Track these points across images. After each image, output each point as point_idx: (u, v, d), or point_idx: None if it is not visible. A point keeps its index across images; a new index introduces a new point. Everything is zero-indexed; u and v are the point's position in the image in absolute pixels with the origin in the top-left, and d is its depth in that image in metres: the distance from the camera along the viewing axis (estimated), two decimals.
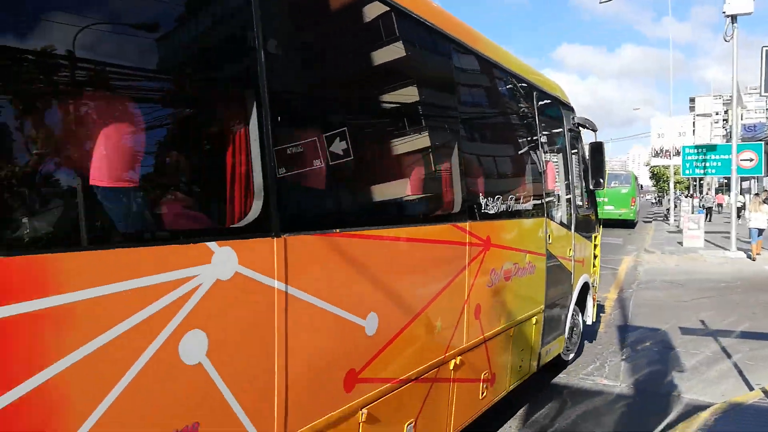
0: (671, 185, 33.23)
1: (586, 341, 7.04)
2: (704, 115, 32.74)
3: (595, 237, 6.80)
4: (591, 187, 6.36)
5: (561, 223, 5.50)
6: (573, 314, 6.06)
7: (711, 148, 20.59)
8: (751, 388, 5.35)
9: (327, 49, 2.68)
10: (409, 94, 3.23)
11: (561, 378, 5.87)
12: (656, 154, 27.41)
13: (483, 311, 3.85)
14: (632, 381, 5.75)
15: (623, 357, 6.56)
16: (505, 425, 4.65)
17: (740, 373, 5.89)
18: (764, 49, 15.67)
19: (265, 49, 2.08)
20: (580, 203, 6.19)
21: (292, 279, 2.19)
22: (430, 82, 3.48)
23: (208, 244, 1.85)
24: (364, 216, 2.83)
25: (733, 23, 15.84)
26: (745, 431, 4.17)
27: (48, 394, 1.43)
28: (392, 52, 3.02)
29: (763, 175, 19.96)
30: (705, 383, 5.64)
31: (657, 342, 7.21)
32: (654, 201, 61.28)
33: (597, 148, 6.31)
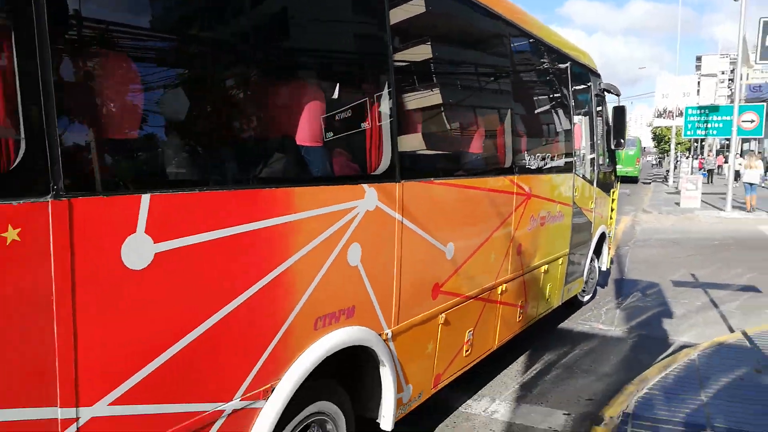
0: (672, 146, 33.56)
1: (598, 287, 7.88)
2: (709, 75, 32.57)
3: (613, 192, 7.60)
4: (613, 147, 7.13)
5: (585, 179, 6.30)
6: (591, 260, 6.93)
7: (713, 109, 21.00)
8: (732, 332, 6.00)
9: (431, 49, 3.46)
10: (478, 75, 4.01)
11: (563, 324, 6.47)
12: (659, 115, 27.66)
13: (523, 249, 4.70)
14: (626, 326, 6.34)
15: (618, 306, 7.22)
16: (518, 359, 5.37)
17: (725, 319, 6.52)
18: (762, 20, 16.17)
19: (393, 49, 2.86)
20: (602, 162, 6.96)
21: (405, 213, 3.03)
22: (494, 63, 4.25)
23: (363, 185, 2.69)
24: (448, 169, 3.66)
25: None
26: (724, 363, 4.91)
27: (291, 274, 2.30)
28: (473, 44, 3.78)
29: (763, 136, 20.50)
30: (693, 328, 6.25)
31: (650, 293, 7.76)
32: (654, 162, 60.98)
33: (620, 112, 7.04)
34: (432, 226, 3.32)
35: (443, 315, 3.56)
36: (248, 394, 2.17)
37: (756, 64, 17.25)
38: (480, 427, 4.00)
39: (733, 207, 17.63)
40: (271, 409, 2.27)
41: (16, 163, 1.45)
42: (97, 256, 1.62)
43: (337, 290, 2.61)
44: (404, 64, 3.16)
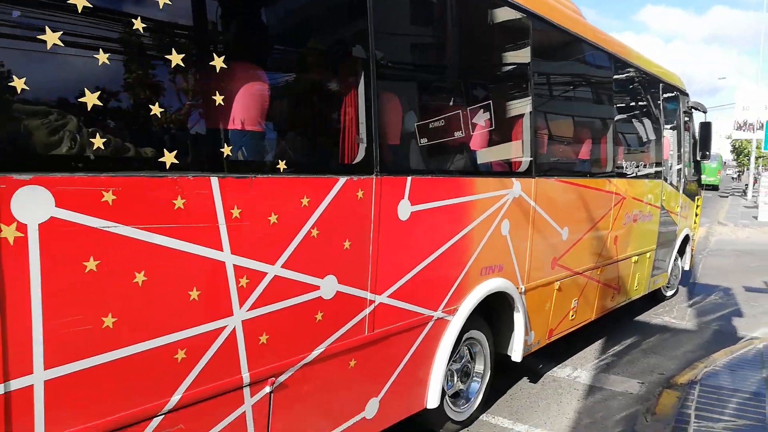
0: (752, 160, 32.41)
1: (679, 286, 8.50)
2: None
3: (698, 199, 8.32)
4: (698, 158, 7.89)
5: (672, 186, 7.13)
6: (675, 258, 7.70)
7: None
8: None
9: (557, 79, 4.59)
10: (588, 97, 5.08)
11: (639, 317, 7.08)
12: (739, 128, 26.67)
13: (618, 240, 5.68)
14: (697, 322, 6.86)
15: (690, 305, 7.69)
16: (598, 341, 6.03)
17: None
18: None
19: (533, 86, 4.01)
20: (688, 171, 7.75)
21: (537, 201, 4.15)
22: (600, 86, 5.32)
23: (512, 179, 3.84)
24: (566, 171, 4.75)
25: None
26: None
27: (471, 234, 3.48)
28: (587, 72, 4.87)
29: None
30: (758, 325, 6.64)
31: (721, 296, 8.23)
32: (734, 176, 57.79)
33: (706, 127, 7.82)
34: (553, 212, 4.41)
35: (558, 282, 4.63)
36: (445, 309, 3.37)
37: None
38: (565, 386, 4.80)
39: None
40: (456, 322, 3.46)
41: (361, 158, 2.71)
42: (388, 209, 2.86)
43: (494, 250, 3.76)
44: (539, 96, 4.30)
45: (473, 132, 3.61)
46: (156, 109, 1.89)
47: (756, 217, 19.13)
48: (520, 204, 3.95)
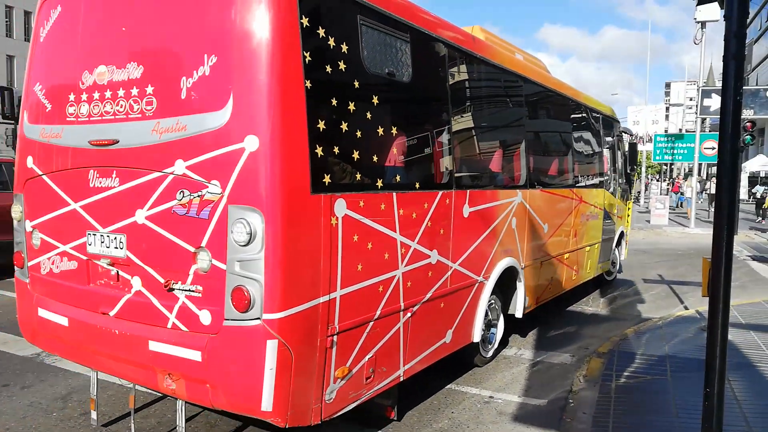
0: (643, 169, 35.87)
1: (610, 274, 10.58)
2: (677, 104, 35.57)
3: (629, 203, 10.62)
4: (628, 171, 10.20)
5: (611, 192, 9.33)
6: (614, 250, 9.91)
7: (679, 137, 23.92)
8: (687, 309, 8.09)
9: (540, 121, 6.59)
10: (557, 131, 7.12)
11: (567, 308, 8.47)
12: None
13: (577, 234, 7.72)
14: (608, 308, 8.52)
15: (602, 296, 9.39)
16: (535, 328, 7.14)
17: (683, 303, 8.63)
18: (701, 88, 18.42)
19: (526, 127, 5.96)
20: (621, 181, 10.01)
21: (530, 204, 6.06)
22: (562, 122, 7.40)
23: (516, 190, 5.74)
24: (547, 183, 6.72)
25: (702, 28, 18.81)
26: (680, 326, 6.94)
27: (496, 228, 5.33)
28: (556, 114, 6.91)
29: None
30: (657, 309, 8.29)
31: (626, 287, 10.07)
32: None
33: (633, 147, 10.18)
34: (539, 213, 6.35)
35: (541, 263, 6.56)
36: (484, 276, 5.19)
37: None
38: (514, 362, 5.97)
39: (698, 224, 20.24)
40: (489, 285, 5.29)
41: (446, 180, 4.49)
42: (459, 210, 4.65)
43: (508, 239, 5.62)
44: (530, 132, 6.26)
45: (499, 160, 5.50)
46: (374, 159, 3.63)
47: (649, 221, 21.94)
48: (520, 207, 5.85)
